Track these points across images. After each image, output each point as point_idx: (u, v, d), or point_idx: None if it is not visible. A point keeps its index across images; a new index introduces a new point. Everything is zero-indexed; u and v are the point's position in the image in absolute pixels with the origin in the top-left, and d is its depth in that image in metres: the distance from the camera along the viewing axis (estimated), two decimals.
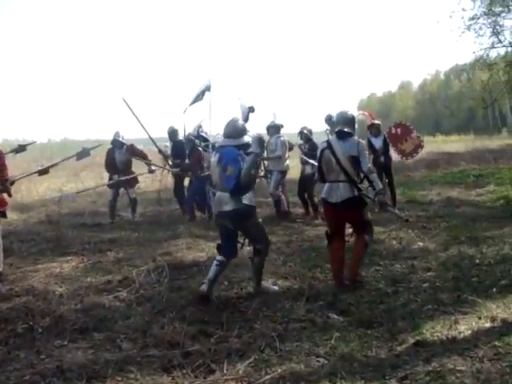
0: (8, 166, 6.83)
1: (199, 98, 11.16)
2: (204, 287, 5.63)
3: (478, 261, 6.84)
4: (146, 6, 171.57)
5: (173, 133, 11.89)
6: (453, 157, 23.72)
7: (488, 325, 4.70)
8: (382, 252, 7.48)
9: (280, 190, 11.06)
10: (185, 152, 11.46)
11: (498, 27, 19.76)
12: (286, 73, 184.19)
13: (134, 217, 11.44)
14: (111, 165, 11.45)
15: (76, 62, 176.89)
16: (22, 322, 5.13)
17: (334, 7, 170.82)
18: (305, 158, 10.88)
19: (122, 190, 11.62)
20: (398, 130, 11.65)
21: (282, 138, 10.93)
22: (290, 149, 11.47)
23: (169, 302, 5.61)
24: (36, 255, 8.13)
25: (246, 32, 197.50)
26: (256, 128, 12.50)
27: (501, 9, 19.58)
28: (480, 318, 4.84)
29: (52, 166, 9.66)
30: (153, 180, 15.47)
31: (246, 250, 7.89)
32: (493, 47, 20.17)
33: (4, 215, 6.74)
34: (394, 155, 11.77)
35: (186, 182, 12.25)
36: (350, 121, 6.10)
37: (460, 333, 4.55)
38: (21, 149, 8.56)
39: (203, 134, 12.42)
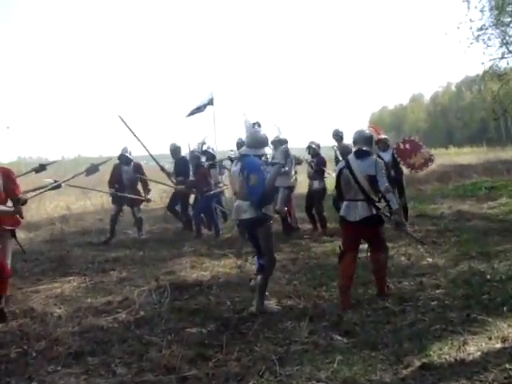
0: (22, 184, 6.75)
1: (200, 109, 11.08)
2: (257, 307, 5.81)
3: (489, 277, 6.60)
4: (151, 23, 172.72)
5: (175, 150, 11.70)
6: (465, 169, 23.38)
7: (499, 346, 4.50)
8: (391, 269, 7.22)
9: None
10: (188, 169, 11.31)
11: (507, 37, 19.53)
12: (295, 86, 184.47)
13: (140, 235, 11.27)
14: (117, 181, 11.08)
15: (89, 80, 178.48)
16: (17, 345, 5.00)
17: (345, 20, 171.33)
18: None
19: (125, 208, 11.42)
20: (407, 145, 11.37)
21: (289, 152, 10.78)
22: (298, 163, 11.32)
23: (168, 324, 5.46)
24: (38, 275, 8.03)
25: (251, 44, 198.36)
26: None
27: (510, 19, 19.33)
28: (490, 339, 4.64)
29: (64, 181, 9.40)
30: (161, 197, 15.42)
31: (248, 267, 7.83)
32: (502, 57, 19.92)
33: (14, 235, 6.50)
34: (404, 169, 11.54)
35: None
36: (368, 139, 6.12)
37: (469, 354, 4.34)
38: (41, 168, 8.51)
39: (210, 151, 12.35)
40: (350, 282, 6.00)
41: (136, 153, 11.77)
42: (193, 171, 11.17)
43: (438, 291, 6.18)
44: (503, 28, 19.34)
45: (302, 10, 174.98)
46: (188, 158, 11.41)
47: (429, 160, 11.52)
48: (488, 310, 5.34)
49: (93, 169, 10.65)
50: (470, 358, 4.29)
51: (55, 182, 8.86)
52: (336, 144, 11.16)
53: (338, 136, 11.22)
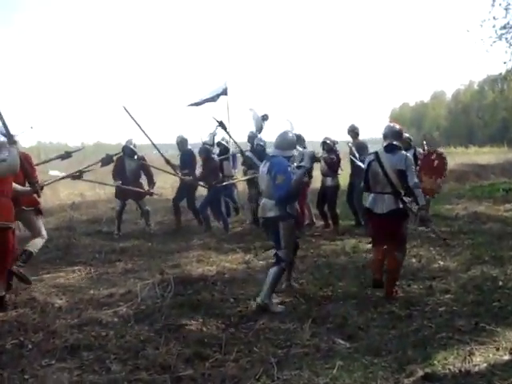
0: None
1: (213, 99, 10.89)
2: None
3: (501, 283, 6.42)
4: (163, 15, 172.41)
5: (182, 142, 11.38)
6: (483, 169, 22.93)
7: (506, 357, 4.35)
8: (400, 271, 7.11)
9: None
10: (194, 162, 11.12)
11: None
12: (315, 80, 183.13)
13: (149, 227, 11.14)
14: (120, 173, 10.78)
15: (110, 68, 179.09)
16: (13, 337, 4.95)
17: (370, 14, 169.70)
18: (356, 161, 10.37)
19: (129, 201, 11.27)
20: (436, 162, 10.63)
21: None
22: (316, 161, 11.11)
23: (168, 320, 5.36)
24: (44, 264, 7.96)
25: (268, 35, 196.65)
26: (272, 138, 12.29)
27: None
28: (498, 350, 4.49)
29: (84, 170, 9.17)
30: (172, 187, 15.31)
31: (255, 263, 7.72)
32: None
33: (39, 212, 7.03)
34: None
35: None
36: (397, 134, 6.22)
37: (475, 365, 4.19)
38: (67, 155, 8.73)
39: (223, 143, 12.20)
40: (380, 266, 6.16)
41: (143, 141, 11.56)
42: (202, 164, 11.01)
43: (447, 296, 6.02)
44: None
45: (323, 1, 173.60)
46: (198, 150, 11.18)
47: (434, 191, 10.83)
48: (497, 319, 5.17)
49: (107, 159, 10.53)
50: (476, 369, 4.14)
51: (78, 172, 8.77)
52: (351, 140, 10.91)
53: (353, 132, 10.90)
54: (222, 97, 11.10)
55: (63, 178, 9.07)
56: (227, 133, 10.98)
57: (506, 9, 18.82)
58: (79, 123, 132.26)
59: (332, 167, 10.56)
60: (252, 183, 10.94)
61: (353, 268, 7.40)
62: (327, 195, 10.62)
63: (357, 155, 10.27)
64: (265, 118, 11.27)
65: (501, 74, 22.07)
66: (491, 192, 16.19)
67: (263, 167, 6.13)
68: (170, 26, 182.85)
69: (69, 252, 8.71)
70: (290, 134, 6.31)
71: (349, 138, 10.99)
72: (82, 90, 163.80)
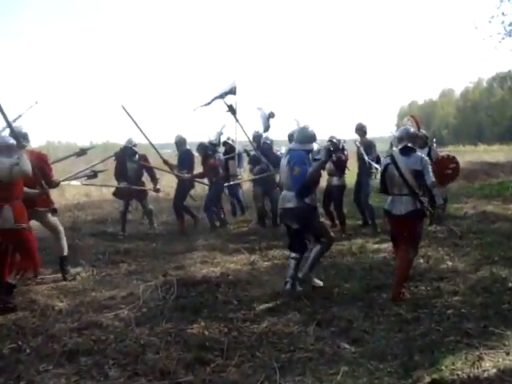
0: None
1: (222, 96, 10.77)
2: (288, 286, 6.23)
3: (510, 284, 6.24)
4: (163, 15, 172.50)
5: (180, 142, 11.09)
6: (492, 167, 22.69)
7: None
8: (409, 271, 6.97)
9: None
10: (192, 162, 10.97)
11: None
12: (323, 78, 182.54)
13: (152, 227, 11.08)
14: (122, 174, 10.70)
15: (118, 68, 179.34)
16: (11, 341, 4.87)
17: (378, 14, 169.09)
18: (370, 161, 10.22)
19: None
20: (450, 171, 10.39)
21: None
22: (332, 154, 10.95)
23: (170, 323, 5.25)
24: (47, 265, 7.84)
25: (275, 34, 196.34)
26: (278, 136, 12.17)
27: None
28: (508, 354, 4.36)
29: (97, 170, 9.29)
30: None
31: (260, 264, 7.61)
32: None
33: (54, 212, 7.49)
34: None
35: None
36: (413, 136, 6.33)
37: (484, 371, 4.07)
38: (82, 152, 9.04)
39: (230, 142, 12.10)
40: None
41: (142, 140, 11.41)
42: (202, 162, 10.91)
43: (455, 298, 5.87)
44: None
45: (330, 1, 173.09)
46: (196, 147, 11.06)
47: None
48: (507, 322, 5.03)
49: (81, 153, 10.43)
50: (485, 375, 4.02)
51: (92, 171, 9.10)
52: (359, 139, 10.73)
53: (361, 131, 10.65)
54: (230, 96, 10.96)
55: (78, 177, 9.28)
56: (236, 119, 10.95)
57: None
58: (88, 122, 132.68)
59: (339, 166, 10.40)
60: (258, 183, 10.83)
61: (359, 269, 7.27)
62: (333, 195, 10.46)
63: (364, 154, 10.10)
64: (271, 115, 11.17)
65: (510, 71, 21.95)
66: (500, 191, 15.98)
67: (284, 160, 6.47)
68: (170, 25, 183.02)
69: (72, 253, 8.59)
70: (310, 129, 6.50)
71: (356, 137, 10.82)
72: (90, 89, 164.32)
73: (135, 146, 10.81)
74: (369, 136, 10.66)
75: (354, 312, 5.53)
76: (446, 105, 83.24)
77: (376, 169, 9.99)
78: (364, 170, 10.21)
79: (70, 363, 4.41)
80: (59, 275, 7.35)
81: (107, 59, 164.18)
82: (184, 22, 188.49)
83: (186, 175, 10.74)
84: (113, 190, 11.26)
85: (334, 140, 10.59)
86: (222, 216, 11.37)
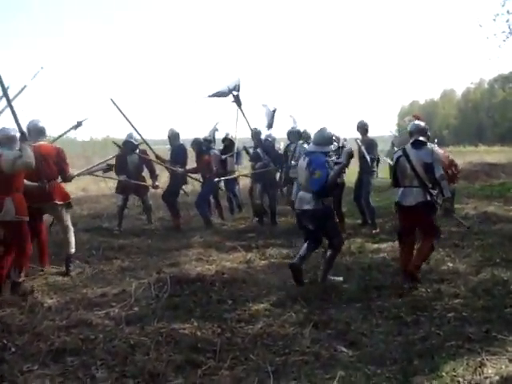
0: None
1: (225, 94, 10.61)
2: (297, 260, 6.37)
3: None
4: (164, 15, 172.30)
5: (173, 136, 10.81)
6: (493, 168, 22.46)
7: None
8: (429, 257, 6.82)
9: None
10: (185, 157, 10.75)
11: None
12: (324, 76, 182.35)
13: (150, 223, 10.95)
14: (122, 168, 10.49)
15: (117, 63, 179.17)
16: None
17: (380, 13, 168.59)
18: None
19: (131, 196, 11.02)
20: (450, 172, 10.17)
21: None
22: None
23: (161, 323, 5.08)
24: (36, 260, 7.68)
25: (275, 31, 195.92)
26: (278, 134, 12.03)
27: None
28: (511, 361, 4.18)
29: (111, 164, 9.44)
30: None
31: (257, 263, 7.44)
32: None
33: (69, 206, 7.56)
34: None
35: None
36: (423, 130, 6.63)
37: (486, 378, 3.91)
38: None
39: (230, 138, 11.96)
40: (409, 263, 6.42)
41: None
42: (195, 158, 10.75)
43: (456, 301, 5.70)
44: None
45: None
46: (191, 143, 10.90)
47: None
48: (510, 327, 4.86)
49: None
50: (487, 382, 3.87)
51: (107, 165, 9.18)
52: (360, 137, 10.52)
53: (363, 129, 10.39)
54: (233, 92, 10.78)
55: (93, 171, 9.34)
56: (241, 110, 10.84)
57: None
58: (88, 118, 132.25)
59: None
60: (257, 180, 10.68)
61: (358, 269, 7.10)
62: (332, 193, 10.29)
63: (366, 153, 9.90)
64: (275, 111, 11.11)
65: (511, 72, 21.62)
66: (501, 191, 15.79)
67: (302, 162, 6.53)
68: (172, 23, 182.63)
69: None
70: (328, 131, 6.55)
71: (357, 135, 10.63)
72: (90, 84, 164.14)
73: (135, 140, 10.65)
74: (369, 135, 10.48)
75: (351, 314, 5.37)
76: (447, 105, 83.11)
77: (377, 165, 10.01)
78: (365, 169, 10.02)
79: (55, 363, 4.25)
80: (51, 270, 7.19)
81: (107, 57, 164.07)
82: (185, 18, 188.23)
83: (180, 169, 10.56)
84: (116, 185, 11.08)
85: (334, 137, 10.47)
86: (211, 215, 11.16)
